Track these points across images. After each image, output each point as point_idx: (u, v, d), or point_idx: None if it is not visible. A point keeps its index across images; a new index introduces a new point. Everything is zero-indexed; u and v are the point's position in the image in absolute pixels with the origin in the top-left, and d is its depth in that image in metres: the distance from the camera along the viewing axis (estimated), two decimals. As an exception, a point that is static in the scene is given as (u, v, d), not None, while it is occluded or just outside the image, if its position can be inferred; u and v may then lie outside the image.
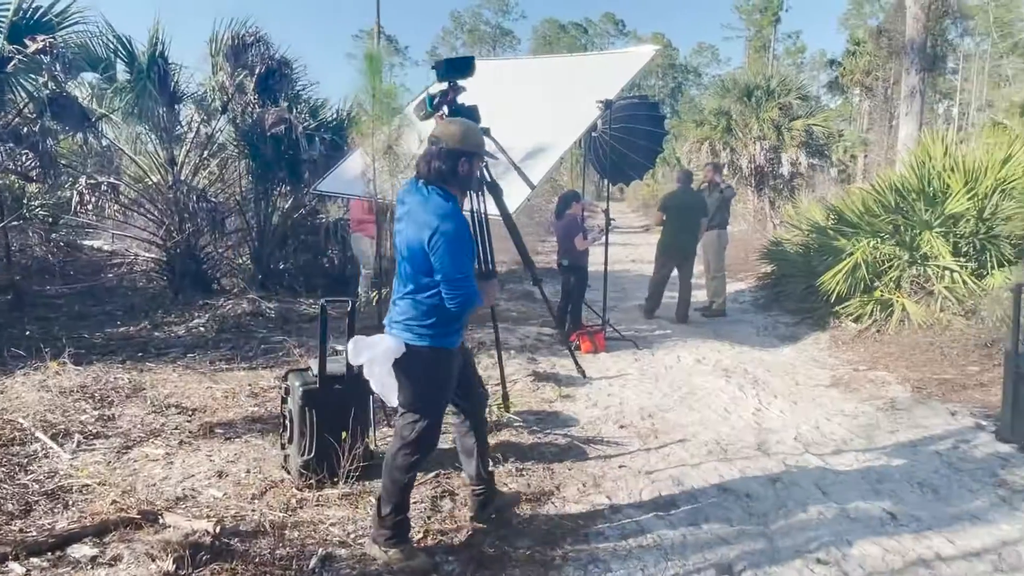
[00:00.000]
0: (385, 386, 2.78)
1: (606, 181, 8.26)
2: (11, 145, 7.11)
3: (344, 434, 3.44)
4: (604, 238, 6.93)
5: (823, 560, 2.99)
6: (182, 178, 8.29)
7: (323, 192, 7.81)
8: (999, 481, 3.76)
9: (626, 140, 8.29)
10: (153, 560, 2.70)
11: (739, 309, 8.90)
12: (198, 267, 8.39)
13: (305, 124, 8.53)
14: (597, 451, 4.20)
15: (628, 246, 16.24)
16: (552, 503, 3.49)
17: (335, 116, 9.44)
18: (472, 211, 3.65)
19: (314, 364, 3.57)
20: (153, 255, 8.89)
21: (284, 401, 3.68)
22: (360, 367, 2.95)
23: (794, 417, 4.86)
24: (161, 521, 3.03)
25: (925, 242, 6.89)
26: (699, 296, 8.69)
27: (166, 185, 8.20)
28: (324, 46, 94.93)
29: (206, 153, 8.97)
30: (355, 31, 56.66)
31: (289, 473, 3.59)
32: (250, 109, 8.57)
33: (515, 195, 5.74)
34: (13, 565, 2.67)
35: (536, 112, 7.04)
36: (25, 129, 7.23)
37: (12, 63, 6.71)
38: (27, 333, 6.23)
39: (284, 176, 8.82)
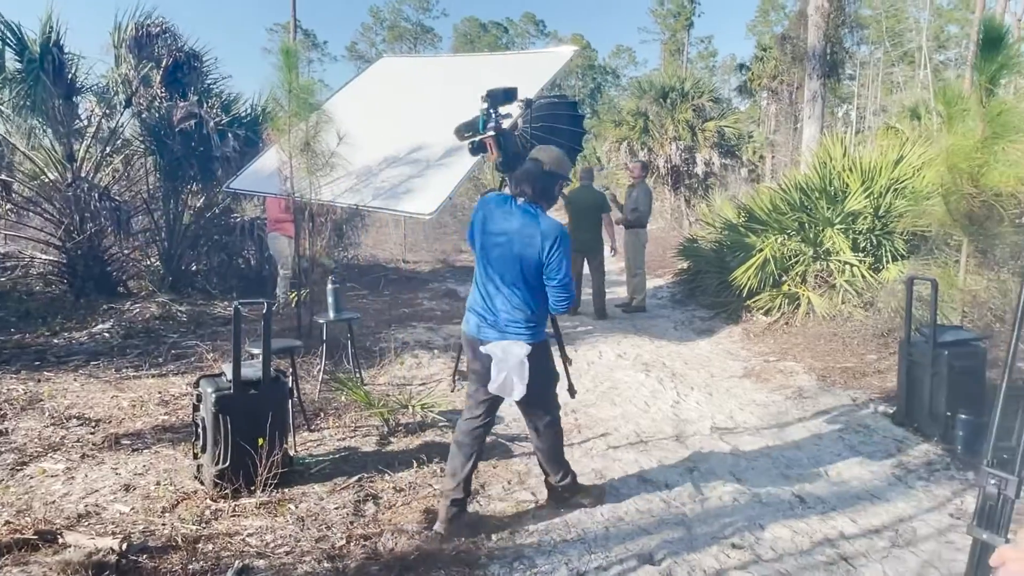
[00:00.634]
0: (511, 385, 3.12)
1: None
2: None
3: (261, 441, 3.33)
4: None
5: (738, 544, 3.11)
6: (83, 175, 7.81)
7: (237, 190, 7.53)
8: (896, 462, 4.02)
9: (547, 139, 8.36)
10: (52, 582, 2.54)
11: (658, 304, 9.16)
12: (102, 269, 7.93)
13: (217, 119, 8.20)
14: (522, 448, 4.23)
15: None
16: (477, 502, 3.49)
17: (249, 111, 9.12)
18: None
19: (228, 369, 3.44)
20: (51, 257, 8.33)
21: (196, 408, 3.53)
22: (275, 375, 2.91)
23: (710, 408, 5.04)
24: (61, 541, 2.85)
25: (827, 238, 7.28)
26: (621, 292, 8.89)
27: (64, 183, 7.71)
28: (238, 39, 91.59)
29: (109, 149, 8.49)
30: (270, 24, 54.86)
31: (203, 483, 3.44)
32: (157, 103, 8.18)
33: (433, 195, 5.71)
34: None
35: (457, 110, 6.99)
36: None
37: None
38: (-95, 343, 5.73)
39: (195, 173, 8.45)
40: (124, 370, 5.47)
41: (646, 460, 4.06)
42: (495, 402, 3.33)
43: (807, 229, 7.51)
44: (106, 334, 6.37)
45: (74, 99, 7.83)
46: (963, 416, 4.05)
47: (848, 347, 6.31)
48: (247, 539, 2.99)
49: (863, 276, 6.96)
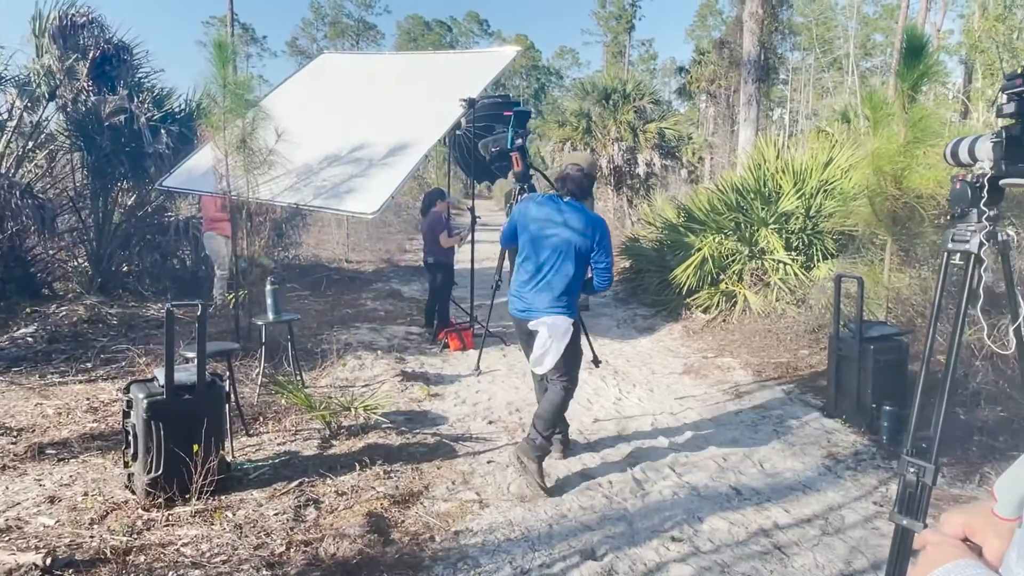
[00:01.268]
0: (547, 361, 3.66)
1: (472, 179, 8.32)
2: None
3: (196, 447, 3.23)
4: (470, 236, 6.98)
5: (677, 538, 3.19)
6: (2, 171, 7.42)
7: (170, 188, 7.29)
8: (826, 453, 4.18)
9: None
10: (-31, 602, 2.41)
11: (601, 303, 9.28)
12: (24, 271, 7.55)
13: (149, 115, 7.90)
14: (466, 448, 4.23)
15: (496, 244, 16.43)
16: (421, 503, 3.47)
17: (183, 107, 8.82)
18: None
19: (161, 373, 3.32)
20: (-34, 258, 7.87)
21: (127, 415, 3.40)
22: (211, 379, 2.85)
23: (651, 404, 5.14)
24: (-21, 557, 2.70)
25: (762, 238, 7.52)
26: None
27: (-19, 179, 7.30)
28: (171, 32, 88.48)
29: (31, 144, 8.08)
30: (206, 17, 53.07)
31: (134, 493, 3.32)
32: (84, 96, 7.83)
33: (375, 194, 5.65)
34: None
35: (400, 108, 6.96)
36: None
37: None
38: None
39: (126, 170, 8.13)
40: (49, 376, 5.22)
41: (589, 457, 4.11)
42: None
43: (743, 229, 7.73)
44: (29, 338, 6.06)
45: (-8, 90, 7.43)
46: (887, 407, 4.25)
47: (782, 343, 6.53)
48: (181, 549, 2.90)
49: (796, 274, 7.22)
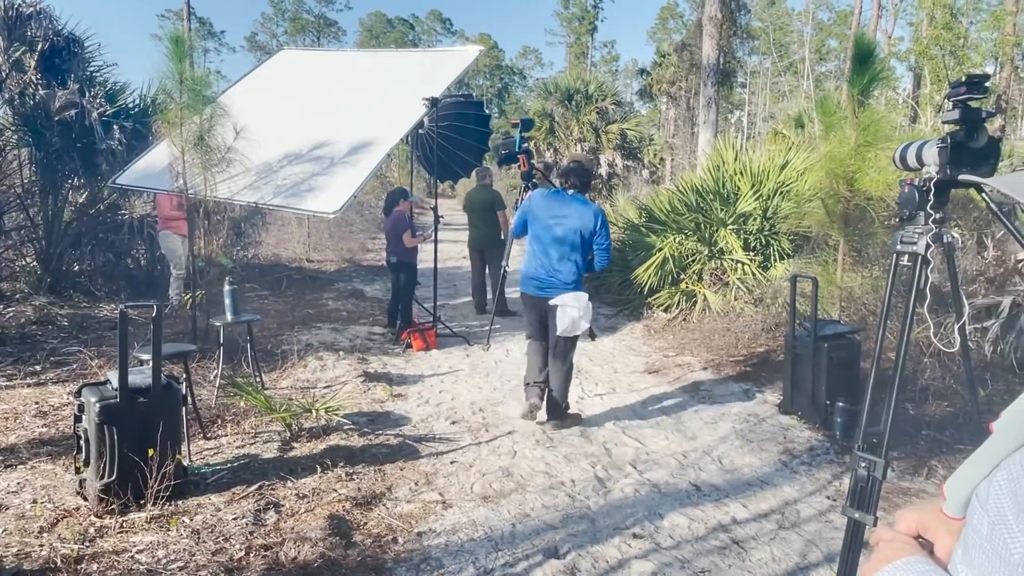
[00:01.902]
0: (580, 326, 4.38)
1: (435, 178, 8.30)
2: None
3: (151, 451, 3.15)
4: (434, 236, 6.95)
5: (639, 534, 3.23)
6: (-57, 167, 7.14)
7: (124, 186, 7.10)
8: (783, 449, 4.28)
9: (452, 138, 8.37)
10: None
11: (564, 303, 9.32)
12: (-33, 271, 7.27)
13: (101, 110, 7.68)
14: (429, 448, 4.22)
15: (459, 243, 16.35)
16: (384, 505, 3.45)
17: (138, 102, 8.59)
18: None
19: (114, 376, 3.24)
20: (-94, 257, 7.56)
21: (78, 419, 3.30)
22: (167, 382, 2.79)
23: (613, 403, 5.19)
24: (-80, 569, 2.60)
25: (721, 238, 7.65)
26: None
27: (-79, 175, 7.01)
28: (125, 25, 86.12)
29: (-25, 139, 7.79)
30: (161, 11, 51.73)
31: (86, 499, 3.23)
32: (31, 90, 7.57)
33: (337, 193, 5.60)
34: None
35: (362, 106, 6.90)
36: None
37: None
38: None
39: (77, 167, 7.88)
40: (-5, 380, 5.04)
41: (552, 456, 4.14)
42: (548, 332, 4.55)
43: (703, 229, 7.86)
44: (-27, 341, 5.84)
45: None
46: (841, 404, 4.37)
47: (740, 341, 6.66)
48: (136, 556, 2.83)
49: (753, 274, 7.37)
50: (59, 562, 2.71)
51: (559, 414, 4.58)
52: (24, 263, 8.22)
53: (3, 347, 5.79)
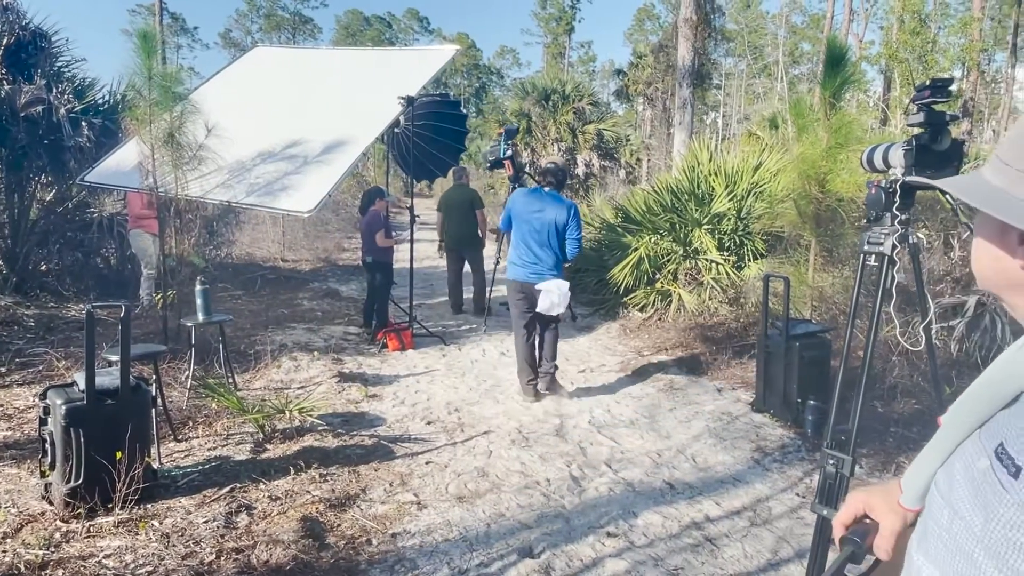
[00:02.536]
0: (559, 307, 4.99)
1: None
2: None
3: (119, 454, 3.10)
4: (410, 236, 6.92)
5: (613, 533, 3.24)
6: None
7: (93, 184, 6.96)
8: (755, 447, 4.33)
9: (429, 137, 8.35)
10: None
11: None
12: (-71, 270, 7.08)
13: (69, 106, 7.52)
14: (404, 449, 4.20)
15: (435, 242, 16.35)
16: (358, 506, 3.42)
17: (107, 98, 8.44)
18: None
19: (81, 378, 3.17)
20: None
21: (44, 422, 3.23)
22: (136, 383, 2.74)
23: (588, 402, 5.21)
24: None
25: (696, 238, 7.72)
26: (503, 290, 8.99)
27: None
28: (95, 20, 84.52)
29: (-64, 135, 7.58)
30: (132, 5, 50.78)
31: (52, 504, 3.16)
32: (-4, 86, 7.39)
33: (311, 192, 5.55)
34: None
35: (337, 105, 6.85)
36: None
37: None
38: None
39: (44, 164, 7.73)
40: (-43, 382, 4.92)
41: (527, 456, 4.14)
42: (535, 317, 5.13)
43: (678, 229, 7.92)
44: (-65, 342, 5.70)
45: None
46: (812, 402, 4.43)
47: (715, 341, 6.72)
48: (103, 561, 2.78)
49: (728, 274, 7.44)
50: (23, 568, 2.65)
51: (549, 380, 5.26)
52: (-11, 262, 8.02)
53: (-34, 348, 5.65)
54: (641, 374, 5.96)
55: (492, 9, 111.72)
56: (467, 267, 8.31)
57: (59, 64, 8.26)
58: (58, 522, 3.05)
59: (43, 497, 3.23)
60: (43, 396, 3.28)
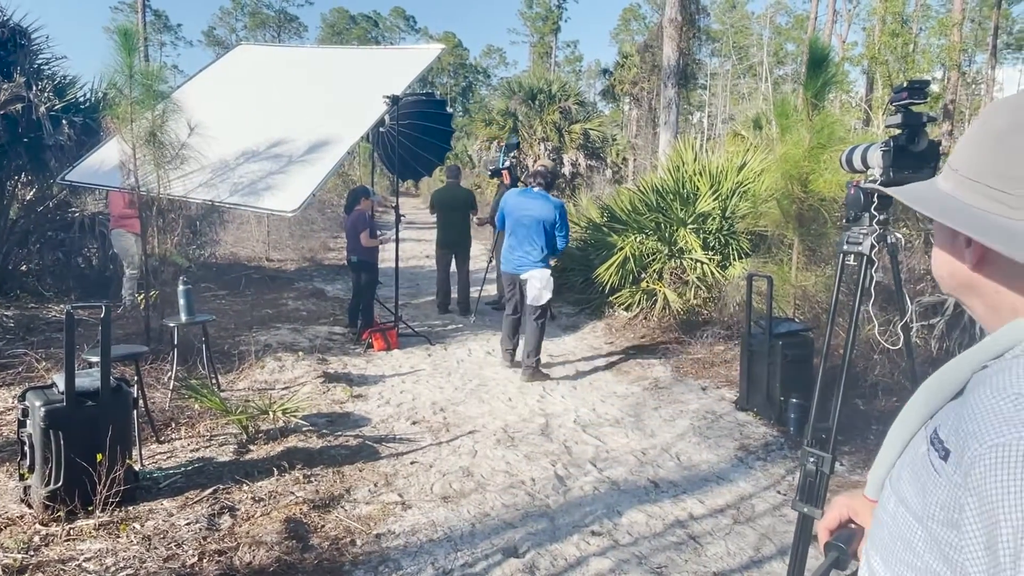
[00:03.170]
0: (543, 296, 5.48)
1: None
2: None
3: (100, 456, 3.07)
4: (395, 235, 6.90)
5: (597, 532, 3.26)
6: None
7: (74, 183, 6.88)
8: (739, 445, 4.36)
9: (414, 136, 8.33)
10: None
11: (527, 302, 9.34)
12: (-95, 270, 6.97)
13: (49, 104, 7.42)
14: (389, 449, 4.19)
15: (422, 242, 16.30)
16: (342, 507, 3.41)
17: (88, 96, 8.34)
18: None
19: (60, 379, 3.14)
20: None
21: (22, 424, 3.20)
22: (117, 384, 2.72)
23: (574, 401, 5.22)
24: None
25: (681, 238, 7.75)
26: (491, 290, 9.00)
27: None
28: (76, 17, 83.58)
29: (-87, 133, 7.45)
30: (114, 3, 50.22)
31: (31, 507, 3.13)
32: (-27, 83, 7.28)
33: (295, 192, 5.53)
34: None
35: (322, 104, 6.82)
36: None
37: None
38: None
39: (24, 163, 7.62)
40: (-66, 384, 4.85)
41: (512, 455, 4.15)
42: (522, 305, 5.69)
43: (663, 229, 7.95)
44: (-89, 344, 5.61)
45: None
46: (794, 400, 4.47)
47: (699, 339, 6.76)
48: (84, 564, 2.75)
49: (712, 273, 7.48)
50: (1, 572, 2.62)
51: (530, 371, 5.60)
52: (-33, 262, 7.91)
53: (-56, 350, 5.57)
54: (626, 373, 5.98)
55: (479, 8, 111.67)
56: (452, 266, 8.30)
57: (39, 61, 8.15)
58: (37, 525, 3.01)
59: (22, 500, 3.19)
60: (22, 398, 3.24)
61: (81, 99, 8.26)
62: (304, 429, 4.37)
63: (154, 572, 2.73)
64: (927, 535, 0.70)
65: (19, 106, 7.17)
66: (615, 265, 7.76)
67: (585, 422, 4.77)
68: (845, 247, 2.27)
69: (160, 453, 3.96)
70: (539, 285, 5.45)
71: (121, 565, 2.76)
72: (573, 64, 63.37)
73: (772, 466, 4.04)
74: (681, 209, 7.93)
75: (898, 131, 2.11)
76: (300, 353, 6.07)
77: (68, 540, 2.93)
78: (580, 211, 10.93)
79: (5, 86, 7.17)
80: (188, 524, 3.13)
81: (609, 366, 6.21)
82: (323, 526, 3.20)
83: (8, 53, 7.58)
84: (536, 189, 5.62)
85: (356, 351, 6.49)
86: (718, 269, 7.50)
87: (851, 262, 2.29)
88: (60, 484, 3.03)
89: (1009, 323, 0.73)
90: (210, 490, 3.47)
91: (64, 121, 7.44)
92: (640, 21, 51.95)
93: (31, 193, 8.18)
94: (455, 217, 8.14)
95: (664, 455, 4.20)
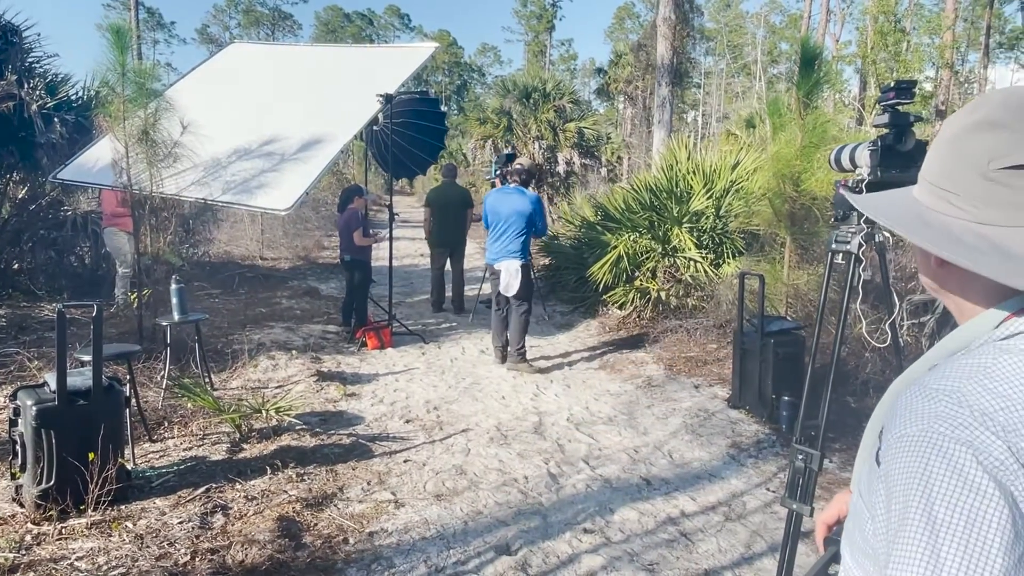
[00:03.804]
0: (512, 286, 5.80)
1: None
2: None
3: (92, 456, 3.07)
4: (388, 234, 6.90)
5: (589, 529, 3.27)
6: None
7: (66, 181, 6.86)
8: (731, 443, 4.39)
9: (407, 135, 8.32)
10: None
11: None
12: None
13: (41, 102, 7.40)
14: (383, 448, 4.19)
15: (416, 240, 16.28)
16: (335, 505, 3.42)
17: (80, 94, 8.31)
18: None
19: (52, 378, 3.14)
20: None
21: (14, 423, 3.19)
22: (109, 383, 2.72)
23: (567, 399, 5.24)
24: None
25: (675, 236, 7.77)
26: (486, 288, 9.00)
27: None
28: (70, 15, 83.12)
29: (-97, 131, 7.42)
30: (107, 0, 49.96)
31: (23, 506, 3.12)
32: (-36, 81, 7.24)
33: (288, 190, 5.52)
34: None
35: (315, 102, 6.81)
36: None
37: None
38: None
39: (15, 161, 7.59)
40: (-75, 383, 4.83)
41: (506, 454, 4.16)
42: (507, 299, 5.92)
43: (656, 227, 7.97)
44: (-98, 343, 5.59)
45: None
46: (786, 398, 4.49)
47: (692, 338, 6.78)
48: (76, 563, 2.75)
49: (706, 271, 7.50)
50: (-8, 571, 2.62)
51: (515, 359, 5.93)
52: (-41, 261, 7.88)
53: (-65, 349, 5.55)
54: (619, 371, 6.00)
55: (474, 7, 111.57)
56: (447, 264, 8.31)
57: (31, 59, 8.11)
58: (29, 524, 3.01)
59: (14, 499, 3.19)
60: (13, 397, 3.24)
61: (73, 97, 8.23)
62: (297, 428, 4.37)
63: (146, 571, 2.73)
64: (875, 525, 0.73)
65: (10, 104, 7.13)
66: (609, 263, 7.77)
67: (578, 420, 4.78)
68: (833, 246, 2.28)
69: (153, 452, 3.95)
70: (507, 276, 5.79)
71: (113, 564, 2.76)
72: (568, 62, 63.39)
73: (764, 463, 4.06)
74: (675, 208, 7.95)
75: (886, 130, 2.13)
76: (293, 352, 6.07)
77: (60, 539, 2.92)
78: (574, 209, 10.95)
79: (-3, 84, 7.14)
80: (181, 523, 3.13)
81: (602, 365, 6.23)
82: (316, 524, 3.20)
83: (0, 51, 7.55)
84: (513, 185, 6.02)
85: (350, 350, 6.50)
86: (711, 268, 7.52)
87: (839, 261, 2.30)
88: (52, 483, 3.03)
89: (965, 323, 0.77)
90: (203, 489, 3.47)
91: (56, 119, 7.41)
92: (634, 19, 52.01)
93: (23, 192, 8.14)
94: (452, 215, 8.14)
95: (656, 453, 4.22)
